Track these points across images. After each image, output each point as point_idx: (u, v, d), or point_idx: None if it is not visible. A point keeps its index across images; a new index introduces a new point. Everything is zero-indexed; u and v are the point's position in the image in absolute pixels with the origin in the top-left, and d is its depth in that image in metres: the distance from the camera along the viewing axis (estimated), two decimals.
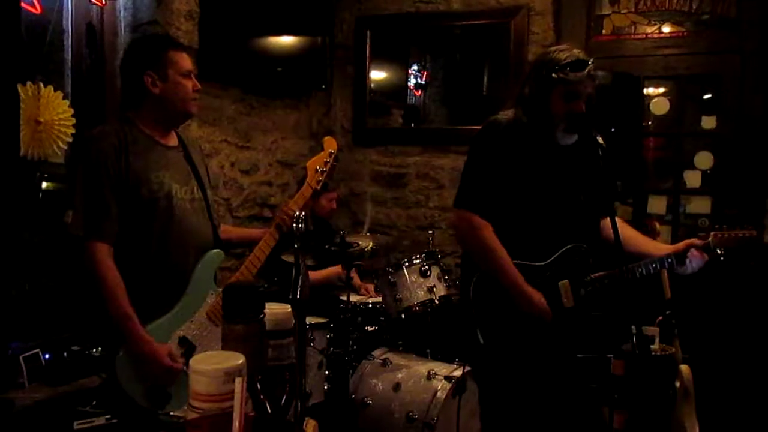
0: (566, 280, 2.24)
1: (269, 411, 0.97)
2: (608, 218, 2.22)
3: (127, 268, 2.07)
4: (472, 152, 2.31)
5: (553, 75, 2.16)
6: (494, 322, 2.23)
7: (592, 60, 2.21)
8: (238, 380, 0.86)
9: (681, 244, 2.36)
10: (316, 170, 2.41)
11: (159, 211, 2.13)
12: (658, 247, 2.43)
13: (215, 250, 2.26)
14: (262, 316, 1.06)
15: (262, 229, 2.51)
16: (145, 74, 2.14)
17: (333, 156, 2.45)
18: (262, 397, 0.98)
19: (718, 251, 2.38)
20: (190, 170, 2.28)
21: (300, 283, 1.13)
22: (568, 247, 2.25)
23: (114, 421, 2.45)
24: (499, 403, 2.29)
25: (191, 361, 0.95)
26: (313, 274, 3.43)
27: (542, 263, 2.23)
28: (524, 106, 2.26)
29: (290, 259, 3.19)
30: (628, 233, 2.41)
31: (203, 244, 2.24)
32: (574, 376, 2.30)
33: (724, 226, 2.34)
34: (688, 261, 2.31)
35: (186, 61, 2.21)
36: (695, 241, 2.35)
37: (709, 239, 2.33)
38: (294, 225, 1.22)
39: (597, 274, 2.30)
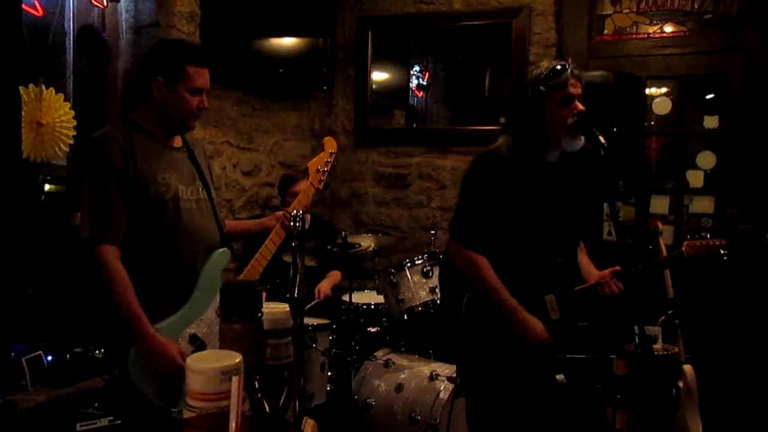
0: (552, 294, 2.28)
1: (267, 410, 0.97)
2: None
3: (136, 269, 2.07)
4: (465, 188, 2.35)
5: (541, 88, 2.19)
6: (487, 339, 2.28)
7: (570, 59, 2.27)
8: (234, 379, 0.86)
9: (606, 272, 2.33)
10: (318, 170, 2.48)
11: (166, 211, 2.14)
12: (590, 272, 2.40)
13: (222, 250, 2.28)
14: (259, 315, 1.06)
15: (258, 220, 2.57)
16: (155, 78, 2.15)
17: (333, 156, 2.54)
18: (259, 396, 0.98)
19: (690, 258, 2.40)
20: (195, 171, 2.30)
21: (297, 282, 1.13)
22: (552, 262, 2.28)
23: (117, 422, 2.45)
24: (488, 416, 2.33)
25: (188, 360, 0.95)
26: (325, 286, 3.44)
27: (526, 280, 2.25)
28: (520, 129, 2.28)
29: (290, 259, 3.21)
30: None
31: (210, 244, 2.25)
32: (560, 388, 2.32)
33: (696, 235, 2.39)
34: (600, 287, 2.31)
35: (201, 79, 2.19)
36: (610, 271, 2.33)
37: (683, 249, 2.36)
38: (292, 224, 1.22)
39: (581, 287, 2.32)
